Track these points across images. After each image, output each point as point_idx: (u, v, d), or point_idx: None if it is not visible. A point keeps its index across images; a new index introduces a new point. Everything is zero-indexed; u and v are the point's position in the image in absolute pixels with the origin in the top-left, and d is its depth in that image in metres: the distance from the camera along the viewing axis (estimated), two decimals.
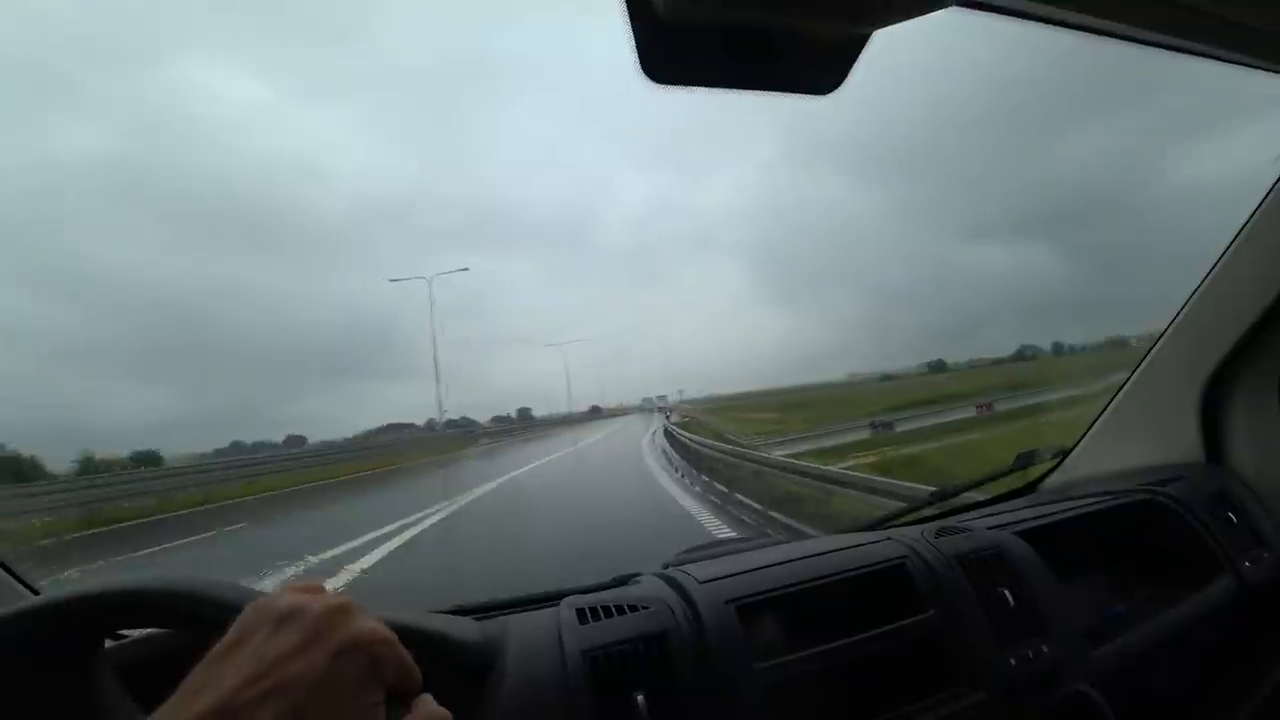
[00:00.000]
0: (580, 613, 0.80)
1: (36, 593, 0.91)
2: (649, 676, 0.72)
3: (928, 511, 1.37)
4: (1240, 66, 0.76)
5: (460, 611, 0.90)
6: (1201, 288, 1.29)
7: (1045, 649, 0.88)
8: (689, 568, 0.91)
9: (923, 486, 4.18)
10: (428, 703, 0.43)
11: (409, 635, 0.66)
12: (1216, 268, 1.25)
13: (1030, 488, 1.56)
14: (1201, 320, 1.30)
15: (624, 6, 0.61)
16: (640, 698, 0.69)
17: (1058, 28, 0.70)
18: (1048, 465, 1.57)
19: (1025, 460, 1.54)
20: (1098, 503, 1.23)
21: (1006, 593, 0.91)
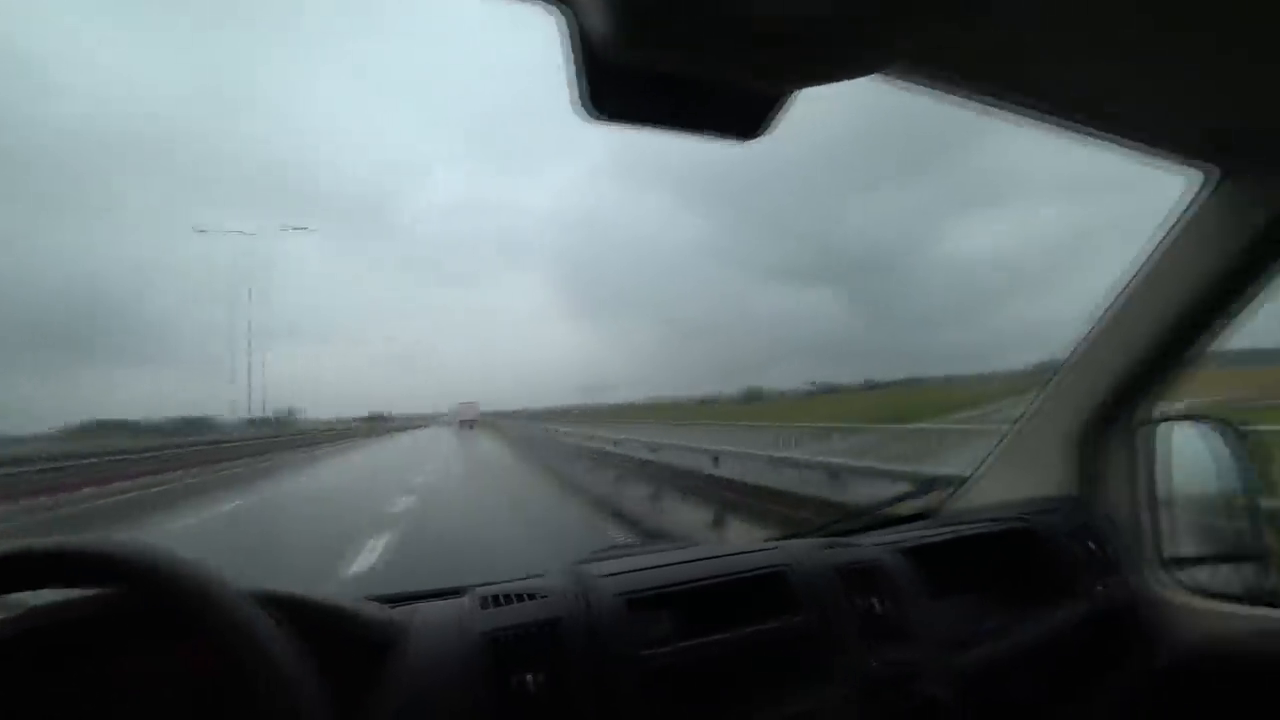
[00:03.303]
0: (484, 600, 0.87)
1: None
2: (543, 659, 0.79)
3: (838, 528, 1.48)
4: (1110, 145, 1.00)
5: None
6: (1085, 341, 1.43)
7: (908, 654, 0.99)
8: (595, 565, 0.99)
9: None
10: None
11: (309, 609, 0.73)
12: (1095, 326, 1.40)
13: (930, 512, 1.69)
14: (1082, 369, 1.45)
15: (566, 44, 0.66)
16: (531, 678, 0.76)
17: (963, 102, 0.89)
18: (949, 492, 1.70)
19: (927, 486, 1.68)
20: (979, 528, 1.36)
21: (875, 601, 1.01)
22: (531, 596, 0.87)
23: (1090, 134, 0.98)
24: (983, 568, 1.32)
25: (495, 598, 0.87)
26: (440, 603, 0.89)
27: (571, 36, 0.63)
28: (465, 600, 0.88)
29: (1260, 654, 1.15)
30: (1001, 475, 1.62)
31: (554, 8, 0.63)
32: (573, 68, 0.65)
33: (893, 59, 0.73)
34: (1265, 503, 1.30)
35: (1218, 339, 1.28)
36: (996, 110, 0.91)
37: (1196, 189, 1.18)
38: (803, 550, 1.08)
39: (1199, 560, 1.34)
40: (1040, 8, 0.69)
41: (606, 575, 0.94)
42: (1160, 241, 1.26)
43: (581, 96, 0.66)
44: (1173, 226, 1.23)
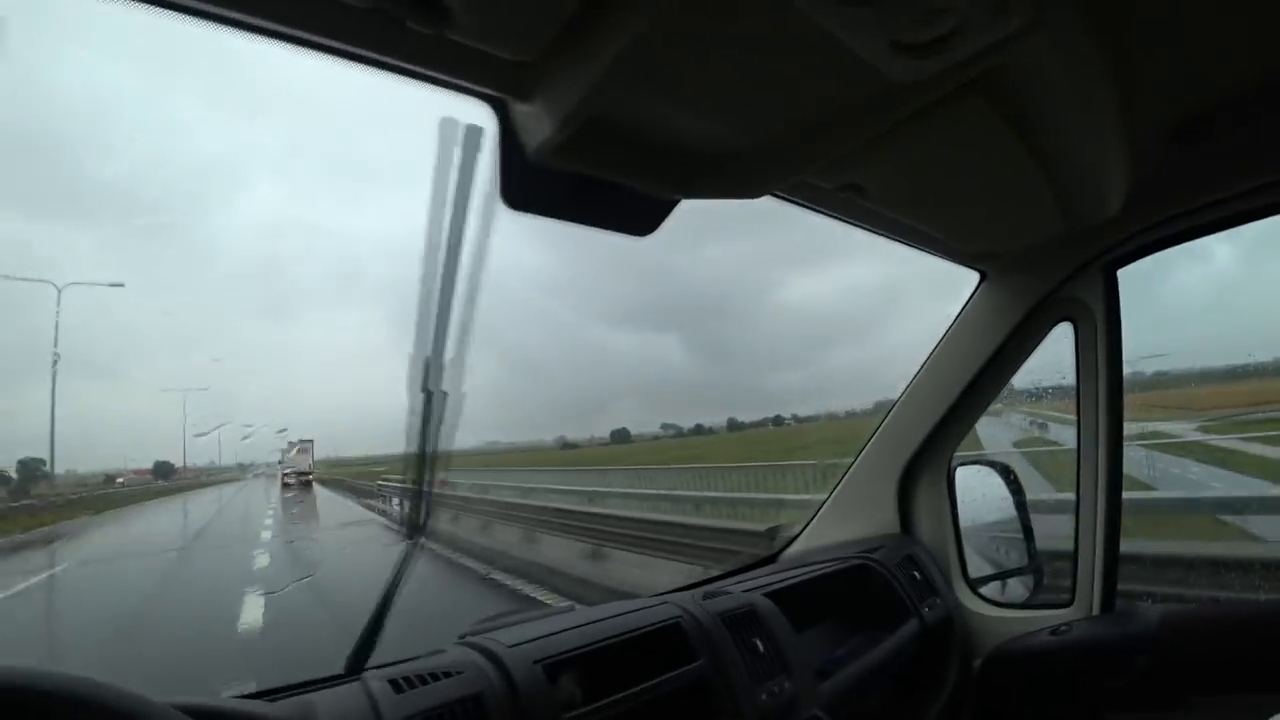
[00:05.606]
0: (394, 684, 0.81)
1: None
2: None
3: (705, 577, 1.58)
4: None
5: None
6: (897, 403, 1.72)
7: (787, 684, 1.10)
8: (491, 636, 0.98)
9: None
10: None
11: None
12: (907, 389, 1.69)
13: (775, 556, 1.85)
14: (897, 427, 1.72)
15: (496, 144, 0.77)
16: None
17: (838, 219, 1.19)
18: (789, 537, 1.89)
19: (773, 533, 1.85)
20: (825, 568, 1.53)
21: (759, 642, 1.12)
22: (446, 674, 0.84)
23: (907, 244, 1.37)
24: (832, 601, 1.49)
25: (406, 679, 0.82)
26: (335, 691, 0.82)
27: (500, 134, 0.75)
28: (366, 684, 0.81)
29: (1043, 646, 1.43)
30: (834, 522, 1.84)
31: (488, 106, 0.75)
32: (498, 163, 0.77)
33: (766, 190, 0.96)
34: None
35: (998, 396, 1.62)
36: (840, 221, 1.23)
37: (976, 283, 1.56)
38: (687, 601, 1.16)
39: (993, 577, 1.65)
40: (868, 170, 0.98)
41: (514, 645, 0.92)
42: (953, 323, 1.61)
43: (505, 188, 0.78)
44: (960, 313, 1.60)
